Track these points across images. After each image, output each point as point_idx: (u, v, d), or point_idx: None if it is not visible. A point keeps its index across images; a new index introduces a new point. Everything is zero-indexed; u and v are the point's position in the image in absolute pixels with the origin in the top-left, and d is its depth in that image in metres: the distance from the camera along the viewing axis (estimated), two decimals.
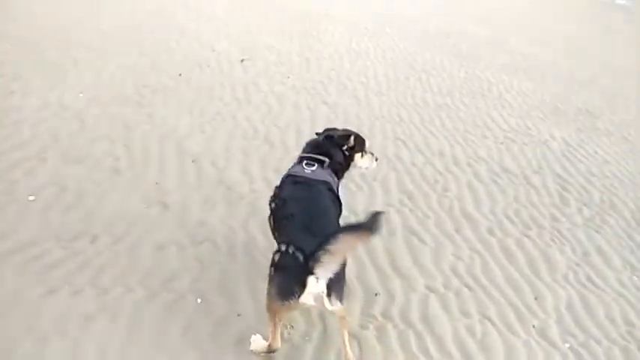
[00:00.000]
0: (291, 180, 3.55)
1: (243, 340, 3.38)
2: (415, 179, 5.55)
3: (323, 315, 3.61)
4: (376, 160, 4.07)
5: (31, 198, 4.40)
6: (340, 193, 3.66)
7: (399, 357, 3.52)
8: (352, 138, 3.81)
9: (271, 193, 3.61)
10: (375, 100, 7.31)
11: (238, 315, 3.58)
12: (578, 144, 7.05)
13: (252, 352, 3.31)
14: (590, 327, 4.05)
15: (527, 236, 4.95)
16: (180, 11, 9.49)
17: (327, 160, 3.63)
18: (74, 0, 9.27)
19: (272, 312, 3.11)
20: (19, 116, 5.56)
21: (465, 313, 3.96)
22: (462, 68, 9.13)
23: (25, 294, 3.55)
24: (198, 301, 3.66)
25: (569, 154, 6.71)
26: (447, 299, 4.06)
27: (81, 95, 6.15)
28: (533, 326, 3.95)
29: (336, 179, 3.66)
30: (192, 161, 5.23)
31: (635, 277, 4.68)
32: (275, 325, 3.16)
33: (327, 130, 4.01)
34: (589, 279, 4.56)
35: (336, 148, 3.75)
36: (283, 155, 5.46)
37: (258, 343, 3.31)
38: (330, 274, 2.87)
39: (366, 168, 4.06)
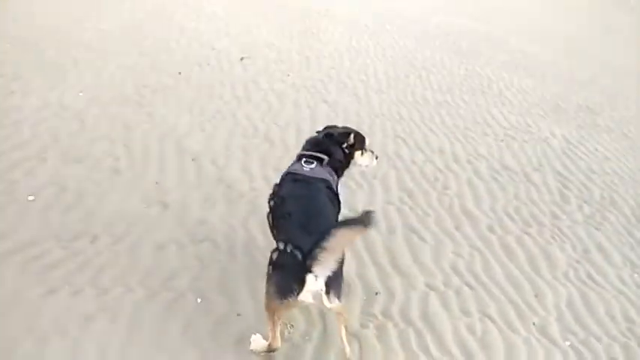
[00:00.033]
0: (289, 178, 3.54)
1: (243, 340, 3.38)
2: (415, 177, 5.55)
3: (323, 314, 3.61)
4: (376, 158, 4.06)
5: (31, 198, 4.40)
6: (339, 191, 3.66)
7: (399, 356, 3.52)
8: (352, 136, 3.80)
9: (271, 191, 3.61)
10: (375, 98, 7.30)
11: (238, 314, 3.59)
12: (579, 141, 7.04)
13: (252, 352, 3.31)
14: (591, 324, 4.06)
15: (527, 234, 4.95)
16: (180, 10, 9.47)
17: (326, 157, 3.62)
18: (74, 0, 9.25)
19: (271, 311, 3.11)
20: (19, 116, 5.56)
21: (465, 311, 3.96)
22: (462, 65, 9.11)
23: (25, 294, 3.55)
24: (198, 300, 3.66)
25: (569, 151, 6.71)
26: (447, 297, 4.06)
27: (81, 95, 6.15)
28: (534, 324, 3.96)
29: (335, 177, 3.64)
30: (192, 160, 5.23)
31: (635, 275, 4.69)
32: (274, 324, 3.15)
33: (327, 127, 4.00)
34: (589, 276, 4.56)
35: (335, 146, 3.74)
36: (283, 153, 5.46)
37: (258, 342, 3.31)
38: (329, 272, 2.87)
39: (366, 166, 4.06)
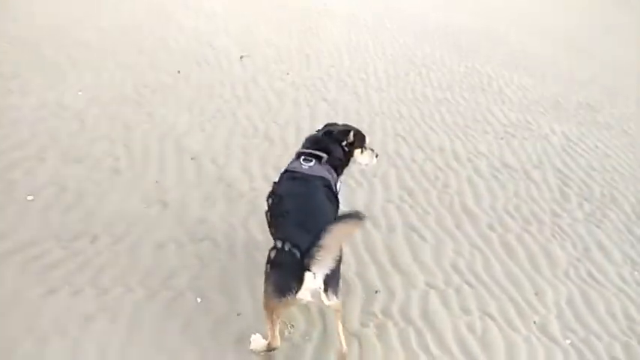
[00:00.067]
0: (287, 176, 3.54)
1: (242, 339, 3.38)
2: (415, 175, 5.55)
3: (323, 314, 3.61)
4: (376, 156, 4.04)
5: (30, 198, 4.39)
6: (339, 189, 3.66)
7: (400, 355, 3.53)
8: (352, 134, 3.79)
9: (270, 190, 3.61)
10: (374, 97, 7.29)
11: (238, 314, 3.59)
12: (579, 138, 7.03)
13: (252, 352, 3.31)
14: (591, 322, 4.06)
15: (527, 232, 4.95)
16: (179, 9, 9.45)
17: (325, 156, 3.61)
18: (74, 0, 9.27)
19: (269, 309, 3.11)
20: (18, 115, 5.55)
21: (466, 310, 3.96)
22: (461, 63, 9.09)
23: (25, 294, 3.56)
24: (198, 299, 3.66)
25: (569, 148, 6.70)
26: (447, 296, 4.06)
27: (80, 94, 6.14)
28: (534, 322, 3.96)
29: (335, 175, 3.63)
30: (192, 159, 5.22)
31: (635, 272, 4.68)
32: (273, 322, 3.15)
33: (327, 125, 3.99)
34: (590, 274, 4.56)
35: (335, 144, 3.73)
36: (283, 152, 5.44)
37: (258, 342, 3.31)
38: (327, 270, 2.88)
39: (366, 164, 4.05)
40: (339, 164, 3.74)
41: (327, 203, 3.37)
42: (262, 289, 3.11)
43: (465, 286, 4.18)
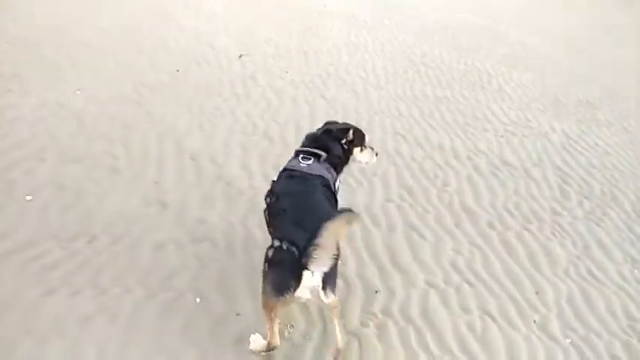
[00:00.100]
0: (286, 174, 3.53)
1: (242, 340, 3.37)
2: (415, 174, 5.53)
3: (323, 314, 3.61)
4: (376, 155, 4.02)
5: (29, 198, 4.39)
6: (337, 188, 3.65)
7: (400, 354, 3.52)
8: (351, 132, 3.77)
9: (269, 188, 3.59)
10: (374, 94, 7.27)
11: (237, 314, 3.58)
12: (579, 135, 7.01)
13: (252, 352, 3.31)
14: (591, 321, 4.04)
15: (527, 230, 4.94)
16: (179, 10, 9.44)
17: (323, 154, 3.60)
18: (74, 0, 9.23)
19: (268, 308, 3.10)
20: (18, 115, 5.56)
21: (465, 309, 3.95)
22: (461, 60, 9.07)
23: (24, 294, 3.55)
24: (198, 300, 3.66)
25: (569, 146, 6.68)
26: (447, 295, 4.05)
27: (79, 94, 6.13)
28: (534, 321, 3.94)
29: (334, 173, 3.62)
30: (191, 159, 5.22)
31: (635, 270, 4.67)
32: (272, 321, 3.15)
33: (327, 123, 3.98)
34: (590, 272, 4.55)
35: (334, 142, 3.71)
36: (282, 151, 5.43)
37: (257, 342, 3.30)
38: (325, 268, 2.89)
39: (366, 163, 4.02)
40: (339, 162, 3.72)
41: (325, 202, 3.36)
42: (261, 288, 3.10)
43: (465, 285, 4.17)
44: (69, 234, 4.08)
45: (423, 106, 7.12)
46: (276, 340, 3.23)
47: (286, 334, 3.49)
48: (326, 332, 3.53)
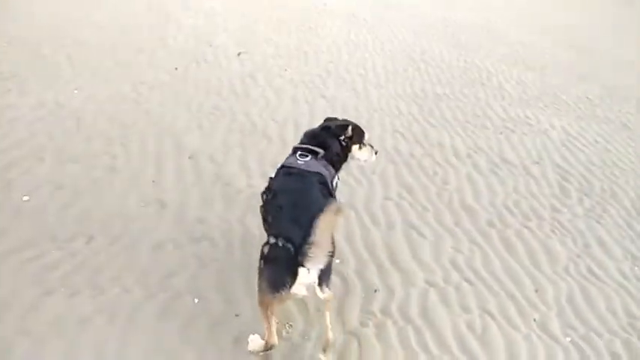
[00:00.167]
0: (283, 171, 3.51)
1: (240, 340, 3.37)
2: (414, 172, 5.52)
3: (321, 314, 3.57)
4: (376, 153, 3.98)
5: (26, 198, 4.39)
6: (335, 185, 3.63)
7: (399, 354, 3.50)
8: (350, 128, 3.74)
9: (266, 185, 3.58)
10: (373, 93, 7.26)
11: (236, 315, 3.57)
12: (579, 132, 6.99)
13: (251, 352, 3.30)
14: (591, 319, 4.02)
15: (527, 228, 4.92)
16: (178, 8, 9.43)
17: (321, 151, 3.58)
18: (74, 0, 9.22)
19: (264, 306, 3.10)
20: (16, 115, 5.55)
21: (465, 308, 3.93)
22: (460, 58, 9.05)
23: (22, 295, 3.55)
24: (196, 300, 3.65)
25: (569, 143, 6.66)
26: (446, 293, 4.04)
27: (76, 93, 6.13)
28: (534, 320, 3.93)
29: (332, 171, 3.59)
30: (190, 157, 5.20)
31: (636, 268, 4.65)
32: (269, 320, 3.14)
33: (327, 120, 3.96)
34: (590, 270, 4.53)
35: (332, 139, 3.68)
36: (281, 150, 5.41)
37: (256, 342, 3.29)
38: (322, 265, 2.89)
39: (365, 161, 3.97)
40: (337, 160, 3.69)
41: (321, 199, 3.33)
42: (257, 286, 3.10)
43: (465, 284, 4.15)
44: (67, 234, 4.07)
45: (423, 104, 7.10)
46: (274, 339, 3.22)
47: (284, 333, 3.48)
48: (325, 332, 3.51)
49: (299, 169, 3.45)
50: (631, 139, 7.12)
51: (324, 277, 2.98)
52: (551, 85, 8.53)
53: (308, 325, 3.56)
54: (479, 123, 6.82)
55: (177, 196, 4.67)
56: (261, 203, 3.52)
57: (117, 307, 3.52)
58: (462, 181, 5.47)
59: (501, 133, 6.64)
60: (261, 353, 3.29)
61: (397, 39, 9.56)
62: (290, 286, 2.89)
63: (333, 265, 3.94)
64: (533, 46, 10.39)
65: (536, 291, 4.19)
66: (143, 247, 4.06)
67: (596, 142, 6.84)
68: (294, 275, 2.86)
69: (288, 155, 3.67)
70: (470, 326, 3.79)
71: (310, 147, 3.59)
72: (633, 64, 10.53)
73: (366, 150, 3.89)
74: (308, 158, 3.51)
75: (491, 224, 4.89)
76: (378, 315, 3.75)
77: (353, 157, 3.85)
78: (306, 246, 2.76)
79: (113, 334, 3.34)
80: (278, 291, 2.93)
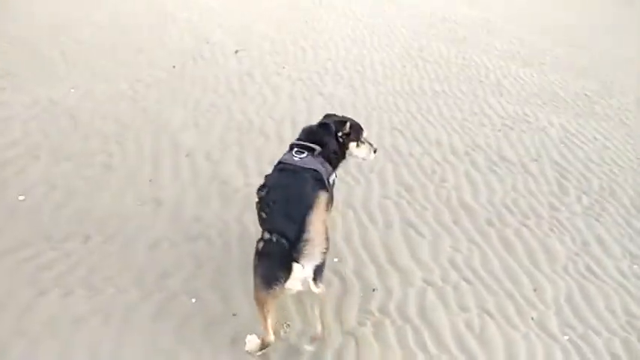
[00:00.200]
0: (279, 168, 3.51)
1: (238, 340, 3.35)
2: (413, 170, 5.48)
3: (320, 314, 3.55)
4: (374, 151, 3.95)
5: (21, 198, 4.35)
6: (332, 183, 3.61)
7: (397, 353, 3.48)
8: (348, 125, 3.72)
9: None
10: (371, 90, 7.22)
11: (233, 314, 3.54)
12: (577, 130, 6.96)
13: (248, 353, 3.27)
14: (590, 318, 4.00)
15: (525, 226, 4.89)
16: (174, 4, 9.39)
17: (318, 148, 3.56)
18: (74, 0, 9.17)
19: (260, 302, 3.08)
20: (10, 113, 5.51)
21: (464, 307, 3.91)
22: (459, 55, 9.01)
23: (17, 295, 3.53)
24: (193, 300, 3.62)
25: (567, 140, 6.63)
26: (444, 293, 4.01)
27: (72, 91, 6.09)
28: (532, 318, 3.91)
29: (329, 168, 3.57)
30: (186, 155, 5.17)
31: (635, 266, 4.63)
32: (265, 317, 3.12)
33: (326, 116, 3.93)
34: (588, 269, 4.50)
35: (329, 136, 3.67)
36: (279, 147, 5.37)
37: (253, 343, 3.27)
38: (317, 261, 2.89)
39: (363, 159, 3.96)
40: (334, 157, 3.68)
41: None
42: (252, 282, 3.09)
43: (463, 283, 4.13)
44: (62, 234, 4.04)
45: (421, 101, 7.07)
46: (270, 337, 3.21)
47: (282, 333, 3.45)
48: (323, 331, 3.48)
49: (294, 165, 3.43)
50: (630, 136, 7.10)
51: (318, 272, 2.98)
52: (549, 82, 8.50)
53: (306, 325, 3.51)
54: (477, 120, 6.79)
55: (174, 195, 4.64)
56: (256, 199, 3.49)
57: (112, 307, 3.50)
58: (461, 180, 5.44)
59: (499, 130, 6.61)
60: (259, 353, 3.27)
61: (395, 35, 9.51)
62: (284, 282, 2.89)
63: (332, 265, 4.00)
64: (531, 42, 10.35)
65: (535, 290, 4.17)
66: (139, 246, 4.03)
67: (595, 139, 6.82)
68: (288, 270, 2.86)
69: (285, 152, 3.64)
70: (468, 325, 3.76)
71: (307, 144, 3.57)
72: (632, 62, 10.50)
73: (364, 147, 3.87)
74: (304, 155, 3.49)
75: (489, 223, 4.86)
76: (376, 314, 3.73)
77: (351, 155, 3.83)
78: (301, 243, 2.77)
79: (108, 335, 3.32)
80: (272, 286, 2.93)
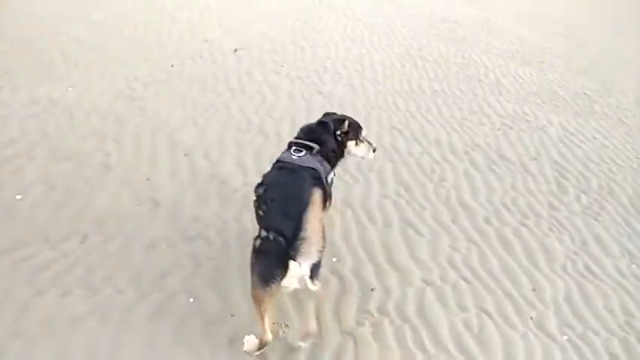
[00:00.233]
0: (277, 166, 3.50)
1: (236, 340, 3.34)
2: (412, 169, 5.47)
3: (318, 313, 3.54)
4: (374, 150, 3.92)
5: (19, 197, 4.34)
6: (330, 181, 3.60)
7: (395, 353, 3.47)
8: (346, 123, 3.70)
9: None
10: (370, 89, 7.21)
11: (232, 315, 3.53)
12: (576, 129, 6.96)
13: (246, 353, 3.26)
14: (589, 318, 4.00)
15: (524, 225, 4.88)
16: (173, 3, 9.38)
17: (316, 146, 3.55)
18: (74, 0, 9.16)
19: (257, 300, 3.07)
20: (8, 112, 5.50)
21: (462, 307, 3.90)
22: (458, 54, 9.01)
23: (15, 295, 3.51)
24: (191, 300, 3.61)
25: (566, 139, 6.62)
26: (443, 292, 4.00)
27: (70, 90, 6.08)
28: (531, 318, 3.90)
29: (327, 166, 3.56)
30: (185, 155, 5.16)
31: (633, 266, 4.62)
32: (262, 316, 3.12)
33: (325, 114, 3.91)
34: (587, 268, 4.50)
35: (328, 135, 3.65)
36: (278, 147, 5.36)
37: (251, 343, 3.26)
38: (314, 260, 2.89)
39: (362, 158, 3.95)
40: (332, 155, 3.66)
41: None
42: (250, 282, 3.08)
43: (462, 282, 4.12)
44: (60, 234, 4.02)
45: (420, 101, 7.06)
46: (268, 337, 3.21)
47: (281, 333, 3.44)
48: (321, 331, 3.48)
49: (293, 163, 3.43)
50: (629, 135, 7.09)
51: (315, 269, 2.98)
52: (549, 81, 8.50)
53: (305, 325, 3.51)
54: (476, 119, 6.78)
55: (172, 194, 4.63)
56: (254, 198, 3.48)
57: (110, 307, 3.49)
58: (460, 179, 5.43)
59: (499, 129, 6.60)
60: (257, 353, 3.26)
61: (394, 34, 9.51)
62: (281, 279, 2.89)
63: (330, 264, 4.00)
64: (531, 41, 10.34)
65: (534, 289, 4.17)
66: (137, 246, 4.02)
67: (594, 138, 6.81)
68: (284, 268, 2.86)
69: (283, 150, 3.64)
70: (467, 325, 3.76)
71: (305, 142, 3.56)
72: (632, 61, 10.49)
73: (363, 146, 3.86)
74: (302, 153, 3.49)
75: (488, 222, 4.85)
76: (375, 314, 3.72)
77: (350, 153, 3.82)
78: (298, 241, 2.77)
79: (106, 335, 3.31)
80: (269, 284, 2.93)
